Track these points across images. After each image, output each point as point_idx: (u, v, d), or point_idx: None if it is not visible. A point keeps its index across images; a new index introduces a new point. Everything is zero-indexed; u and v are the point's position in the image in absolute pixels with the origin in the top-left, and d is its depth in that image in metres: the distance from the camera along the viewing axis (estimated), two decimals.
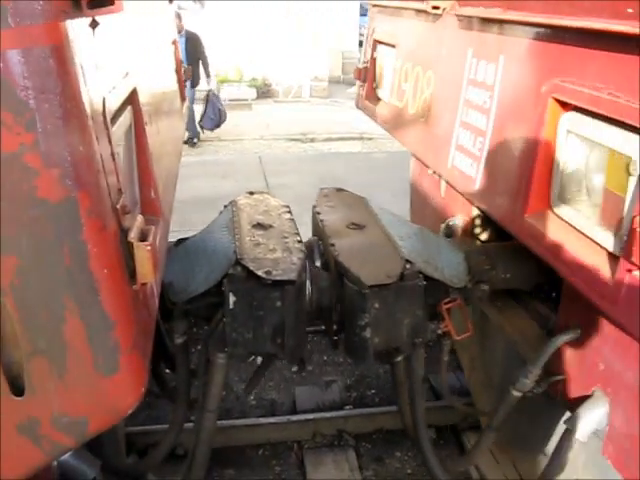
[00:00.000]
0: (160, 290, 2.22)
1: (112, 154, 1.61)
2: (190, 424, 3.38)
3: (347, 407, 5.12)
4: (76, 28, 1.43)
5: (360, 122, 15.85)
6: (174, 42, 4.15)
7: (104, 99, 1.61)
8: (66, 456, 2.21)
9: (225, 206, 3.34)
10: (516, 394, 2.77)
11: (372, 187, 8.61)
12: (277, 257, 2.76)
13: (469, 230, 3.58)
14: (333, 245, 2.94)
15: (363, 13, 25.83)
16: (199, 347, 3.12)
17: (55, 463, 2.18)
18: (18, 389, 1.45)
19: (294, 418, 4.85)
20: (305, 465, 4.50)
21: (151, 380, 3.40)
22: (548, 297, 3.13)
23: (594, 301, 2.07)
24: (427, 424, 4.74)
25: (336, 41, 21.41)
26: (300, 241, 2.96)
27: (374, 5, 4.76)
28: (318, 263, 3.05)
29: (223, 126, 14.31)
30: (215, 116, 13.83)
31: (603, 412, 2.38)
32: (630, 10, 1.88)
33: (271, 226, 3.07)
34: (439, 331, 3.01)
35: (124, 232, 1.53)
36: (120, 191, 1.61)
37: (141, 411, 4.81)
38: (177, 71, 4.01)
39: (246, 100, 18.45)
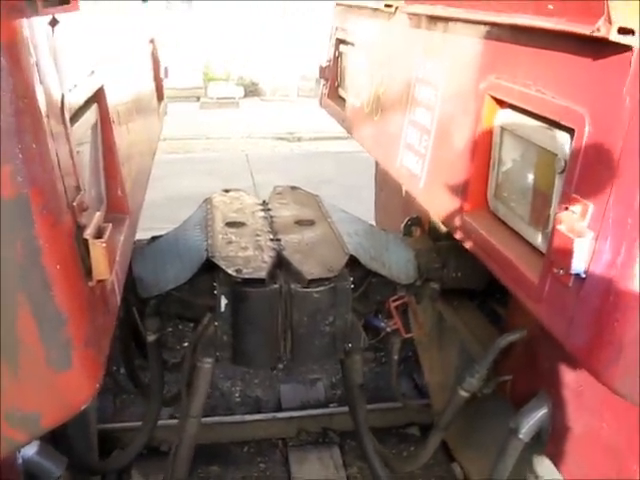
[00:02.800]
0: (126, 285, 2.22)
1: (70, 152, 1.60)
2: (169, 421, 3.38)
3: (332, 405, 5.12)
4: (33, 26, 1.43)
5: None
6: (152, 41, 4.14)
7: (63, 97, 1.61)
8: (32, 453, 2.20)
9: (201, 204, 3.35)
10: (463, 394, 2.78)
11: (358, 187, 8.60)
12: (248, 255, 2.77)
13: (427, 229, 3.58)
14: (279, 240, 2.95)
15: None
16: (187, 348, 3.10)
17: (20, 460, 2.18)
18: None
19: (279, 415, 4.86)
20: (290, 462, 4.50)
21: (125, 378, 3.43)
22: (503, 297, 3.10)
23: (521, 300, 2.06)
24: (412, 422, 4.80)
25: (324, 40, 21.37)
26: (272, 239, 2.96)
27: (337, 4, 4.74)
28: None
29: (209, 123, 14.29)
30: None
31: (545, 412, 2.38)
32: (551, 7, 1.89)
33: (244, 224, 3.08)
34: (388, 329, 3.01)
35: (80, 229, 1.53)
36: (77, 188, 1.61)
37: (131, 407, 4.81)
38: (154, 70, 4.01)
39: (233, 98, 18.41)
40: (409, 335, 3.10)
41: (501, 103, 2.28)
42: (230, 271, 2.59)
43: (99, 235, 1.55)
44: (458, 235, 2.50)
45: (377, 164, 4.69)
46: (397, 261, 3.00)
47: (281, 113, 17.40)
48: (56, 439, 2.54)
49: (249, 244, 2.87)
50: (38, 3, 1.44)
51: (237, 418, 4.86)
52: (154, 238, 3.11)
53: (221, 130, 14.87)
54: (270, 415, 4.88)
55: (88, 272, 1.52)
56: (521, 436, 2.39)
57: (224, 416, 4.91)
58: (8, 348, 1.40)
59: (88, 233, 1.52)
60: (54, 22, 1.64)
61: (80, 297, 1.49)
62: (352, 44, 4.27)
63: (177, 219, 3.34)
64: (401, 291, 2.97)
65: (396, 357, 3.31)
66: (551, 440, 2.37)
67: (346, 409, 4.88)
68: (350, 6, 4.37)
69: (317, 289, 2.66)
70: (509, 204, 2.29)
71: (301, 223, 3.16)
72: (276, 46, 19.28)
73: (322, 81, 5.01)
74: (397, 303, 2.96)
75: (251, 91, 19.70)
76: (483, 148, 2.36)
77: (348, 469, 4.49)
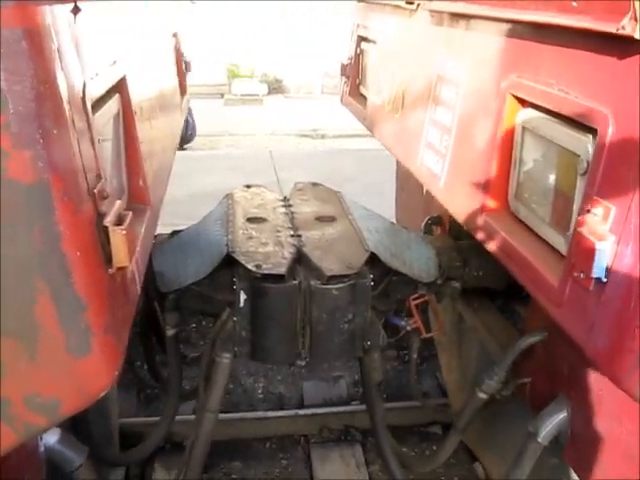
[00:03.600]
0: (147, 279, 2.22)
1: (91, 139, 1.60)
2: (192, 416, 3.38)
3: (354, 402, 5.10)
4: (55, 13, 1.43)
5: None
6: (175, 35, 4.14)
7: (84, 84, 1.61)
8: (53, 442, 2.21)
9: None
10: (482, 396, 2.74)
11: (380, 184, 8.58)
12: (268, 251, 2.76)
13: (448, 228, 3.55)
14: (300, 236, 2.94)
15: None
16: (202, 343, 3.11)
17: (42, 449, 2.19)
18: None
19: (302, 412, 4.86)
20: (312, 459, 4.50)
21: (146, 372, 3.44)
22: (523, 298, 3.05)
23: (541, 303, 2.03)
24: (434, 421, 4.78)
25: (348, 37, 21.35)
26: (293, 235, 2.95)
27: (359, 1, 4.71)
28: None
29: (234, 120, 14.33)
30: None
31: (564, 416, 2.34)
32: (575, 4, 1.84)
33: (265, 220, 3.07)
34: (408, 327, 2.98)
35: (100, 216, 1.53)
36: (99, 176, 1.61)
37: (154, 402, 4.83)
38: (177, 64, 4.01)
39: (257, 95, 18.48)
40: (429, 334, 3.05)
41: (522, 102, 2.24)
42: (250, 266, 2.59)
43: (119, 222, 1.55)
44: (478, 235, 2.46)
45: (398, 163, 4.65)
46: (418, 259, 2.98)
47: (305, 110, 17.43)
48: (77, 429, 2.55)
49: (269, 240, 2.86)
50: None
51: (259, 414, 4.87)
52: (175, 232, 3.12)
53: (245, 127, 14.92)
54: (292, 412, 4.88)
55: (108, 259, 1.52)
56: (540, 440, 2.35)
57: (246, 412, 4.91)
58: (27, 333, 1.41)
59: (108, 220, 1.52)
60: (76, 10, 1.64)
61: (100, 284, 1.49)
62: (373, 41, 4.24)
63: (199, 216, 3.34)
64: (422, 289, 2.95)
65: (415, 356, 3.29)
66: (570, 444, 2.34)
67: None
68: (371, 3, 4.34)
69: (336, 286, 2.64)
70: (530, 205, 2.25)
71: (322, 219, 3.14)
72: (300, 43, 19.30)
73: (343, 79, 4.96)
74: (417, 301, 2.95)
75: (275, 88, 19.76)
76: (504, 148, 2.32)
77: (370, 467, 4.48)
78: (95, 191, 1.54)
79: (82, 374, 1.47)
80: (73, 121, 1.47)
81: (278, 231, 2.98)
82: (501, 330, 3.09)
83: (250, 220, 3.06)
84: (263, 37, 19.15)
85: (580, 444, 2.28)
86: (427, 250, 3.07)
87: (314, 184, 3.70)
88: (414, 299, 2.95)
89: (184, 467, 3.12)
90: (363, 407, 4.90)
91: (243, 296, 2.61)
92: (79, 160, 1.48)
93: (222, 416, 3.28)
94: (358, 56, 4.68)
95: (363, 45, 4.58)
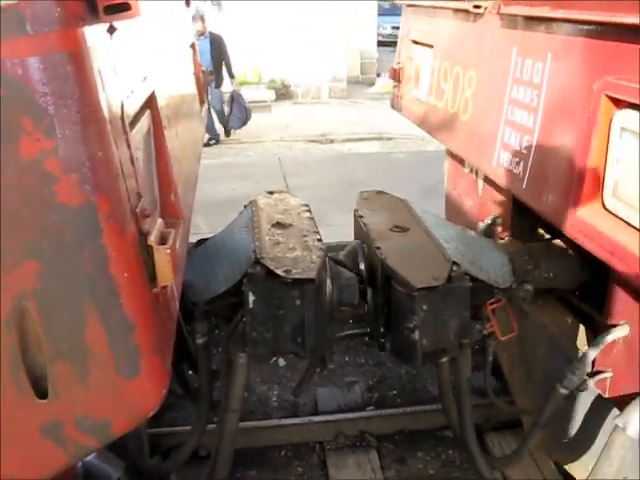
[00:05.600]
0: (181, 291, 2.24)
1: (131, 158, 1.62)
2: (212, 425, 3.39)
3: (369, 408, 5.11)
4: (94, 34, 1.45)
5: (379, 122, 15.86)
6: (192, 45, 4.16)
7: (122, 104, 1.62)
8: (90, 457, 2.23)
9: (245, 206, 3.35)
10: (564, 391, 2.76)
11: (392, 188, 8.59)
12: (296, 256, 2.76)
13: (508, 229, 3.60)
14: (379, 248, 2.93)
15: (381, 13, 25.84)
16: (220, 348, 3.13)
17: (80, 464, 2.20)
18: (42, 392, 1.47)
19: (316, 419, 4.86)
20: (327, 466, 4.50)
21: (174, 381, 3.47)
22: (590, 294, 3.11)
23: None
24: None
25: (354, 41, 21.40)
26: (320, 240, 2.95)
27: (409, 5, 4.73)
28: (362, 266, 3.06)
29: (243, 128, 14.47)
30: (241, 114, 14.28)
31: None
32: None
33: (290, 225, 3.08)
34: (485, 332, 3.01)
35: (144, 236, 1.55)
36: (139, 195, 1.62)
37: (165, 412, 4.85)
38: (196, 74, 4.03)
39: (265, 102, 18.48)
40: (506, 337, 3.09)
41: (618, 103, 2.27)
42: (279, 272, 2.59)
43: (163, 241, 1.56)
44: (571, 233, 2.52)
45: (450, 163, 4.68)
46: (493, 265, 3.00)
47: (313, 115, 17.46)
48: (112, 443, 2.56)
49: (296, 245, 2.87)
50: (99, 10, 1.46)
51: (274, 422, 4.87)
52: (200, 241, 3.13)
53: (254, 134, 14.95)
54: (307, 419, 4.88)
55: (152, 278, 1.53)
56: (629, 433, 2.39)
57: (261, 420, 4.92)
58: (78, 356, 1.42)
59: (152, 240, 1.53)
60: (112, 29, 1.65)
61: (146, 304, 1.50)
62: (430, 45, 4.26)
63: (212, 224, 3.35)
64: (498, 294, 2.97)
65: (491, 359, 3.31)
66: None
67: (383, 412, 4.95)
68: (425, 7, 4.37)
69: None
70: (630, 203, 2.27)
71: (396, 229, 3.15)
72: (300, 47, 19.30)
73: (394, 83, 5.03)
74: (494, 306, 2.97)
75: (282, 94, 19.77)
76: (599, 148, 2.35)
77: (386, 472, 4.48)
78: (137, 210, 1.55)
79: (132, 395, 1.48)
80: (115, 141, 1.49)
81: (305, 236, 2.99)
82: (570, 326, 3.14)
83: (276, 226, 3.07)
84: (269, 42, 19.17)
85: None
86: (500, 255, 3.11)
87: (378, 192, 3.69)
88: (491, 304, 2.97)
89: (211, 470, 3.15)
90: (378, 412, 4.96)
91: (252, 297, 2.61)
92: (122, 180, 1.49)
93: None
94: (410, 60, 4.71)
95: (416, 49, 4.61)
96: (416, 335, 2.68)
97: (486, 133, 3.30)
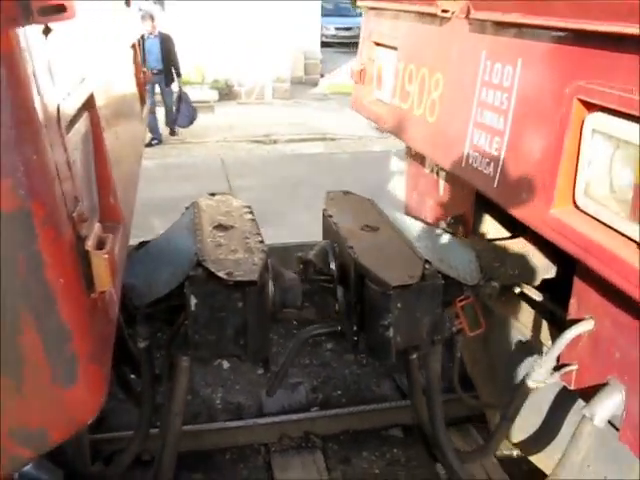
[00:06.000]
0: (121, 294, 2.21)
1: (68, 162, 1.59)
2: (156, 430, 3.36)
3: (314, 409, 5.12)
4: (28, 35, 1.41)
5: (323, 123, 15.92)
6: (133, 46, 4.11)
7: (58, 106, 1.59)
8: (28, 467, 2.18)
9: (187, 207, 3.32)
10: (532, 384, 2.83)
11: (336, 188, 8.61)
12: (238, 258, 2.76)
13: (470, 228, 3.68)
14: (352, 247, 2.95)
15: (325, 13, 25.92)
16: (163, 352, 3.10)
17: (16, 475, 2.15)
18: None
19: (261, 421, 4.84)
20: (272, 468, 4.48)
21: (116, 385, 3.42)
22: (552, 291, 3.25)
23: (628, 292, 2.14)
24: (395, 423, 4.84)
25: (298, 42, 21.42)
26: (262, 241, 2.95)
27: (371, 8, 4.75)
28: (333, 265, 3.08)
29: (186, 128, 14.40)
30: (189, 113, 14.33)
31: (619, 399, 2.47)
32: None
33: (232, 227, 3.07)
34: (453, 328, 3.07)
35: (81, 240, 1.52)
36: (76, 199, 1.59)
37: (105, 417, 4.78)
38: (136, 75, 3.98)
39: (208, 102, 18.36)
40: (474, 333, 3.16)
41: (590, 107, 2.35)
42: (221, 274, 2.58)
43: (100, 246, 1.54)
44: (544, 230, 2.58)
45: (410, 163, 4.76)
46: (461, 262, 3.08)
47: (257, 116, 17.42)
48: (50, 451, 2.52)
49: (238, 247, 2.86)
50: (34, 11, 1.42)
51: (219, 425, 4.83)
52: (142, 244, 3.09)
53: (197, 134, 14.85)
54: (251, 421, 4.85)
55: (90, 284, 1.51)
56: (596, 422, 2.47)
57: (205, 423, 4.88)
58: (13, 365, 1.38)
59: (89, 245, 1.51)
60: (47, 30, 1.62)
61: (83, 310, 1.47)
62: (394, 48, 4.29)
63: (154, 226, 3.32)
64: (467, 292, 3.03)
65: (459, 355, 3.39)
66: (625, 426, 2.47)
67: (328, 412, 4.96)
68: (386, 10, 4.39)
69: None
70: (601, 201, 2.36)
71: (367, 229, 3.18)
72: (244, 48, 19.25)
73: (355, 84, 5.04)
74: (462, 303, 3.03)
75: (226, 94, 19.66)
76: (570, 149, 2.43)
77: (331, 473, 4.48)
78: (74, 215, 1.52)
79: (69, 403, 1.45)
80: (51, 145, 1.46)
81: (247, 237, 2.98)
82: (534, 321, 3.26)
83: (217, 228, 3.05)
84: (212, 42, 19.04)
85: (637, 425, 2.41)
86: (467, 253, 3.18)
87: (345, 192, 3.72)
88: (460, 301, 3.02)
89: (154, 475, 3.11)
90: (323, 413, 4.98)
91: (194, 300, 2.59)
92: (58, 185, 1.46)
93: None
94: (373, 62, 4.74)
95: (379, 51, 4.64)
96: (390, 332, 2.72)
97: (454, 134, 3.36)
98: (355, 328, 2.97)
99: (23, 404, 1.42)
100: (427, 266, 2.79)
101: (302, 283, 3.00)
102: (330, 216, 3.35)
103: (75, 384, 1.44)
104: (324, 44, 25.80)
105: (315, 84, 22.57)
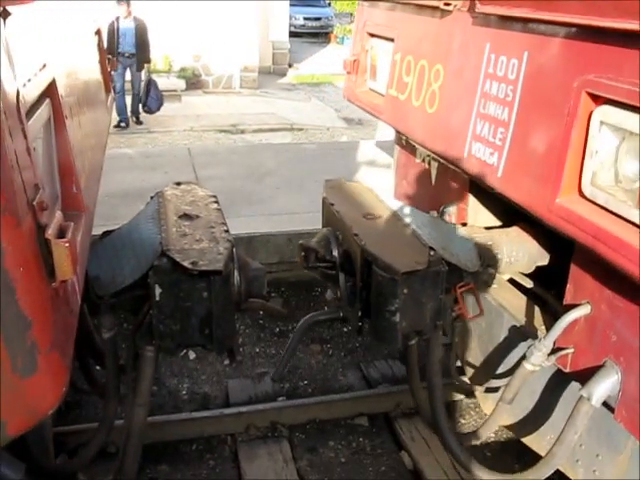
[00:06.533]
0: (85, 284, 2.18)
1: (28, 149, 1.56)
2: (121, 421, 3.33)
3: (280, 399, 5.12)
4: None
5: (291, 113, 15.88)
6: (98, 32, 4.05)
7: (18, 92, 1.56)
8: None
9: (152, 197, 3.30)
10: (530, 367, 2.88)
11: (303, 179, 8.61)
12: (203, 247, 2.75)
13: (464, 216, 3.74)
14: (357, 235, 2.99)
15: (293, 3, 25.83)
16: (128, 343, 3.08)
17: None
18: None
19: (227, 411, 4.83)
20: (239, 458, 4.48)
21: (80, 377, 3.39)
22: (545, 278, 3.37)
23: (634, 274, 2.20)
24: (361, 412, 4.86)
25: (266, 31, 21.33)
26: (227, 231, 2.95)
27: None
28: (336, 253, 3.14)
29: (152, 117, 14.31)
30: (158, 98, 14.34)
31: (615, 380, 2.56)
32: None
33: (198, 216, 3.06)
34: (453, 314, 3.17)
35: (41, 229, 1.50)
36: (37, 187, 1.57)
37: (71, 410, 4.74)
38: (101, 62, 3.93)
39: (175, 91, 18.23)
40: (473, 317, 3.29)
41: (597, 99, 2.41)
42: (186, 264, 2.57)
43: (61, 235, 1.52)
44: (550, 219, 2.64)
45: (400, 153, 4.78)
46: (462, 249, 3.16)
47: (224, 105, 17.33)
48: (12, 444, 2.48)
49: (204, 236, 2.85)
50: None
51: (185, 415, 4.81)
52: (106, 233, 3.06)
53: (164, 124, 14.75)
54: (218, 411, 4.84)
55: (51, 273, 1.48)
56: (593, 402, 2.56)
57: (171, 414, 4.85)
58: None
59: (50, 233, 1.49)
60: (6, 13, 1.59)
61: (44, 299, 1.45)
62: (390, 39, 4.29)
63: (119, 216, 3.29)
64: (467, 278, 3.11)
65: (457, 340, 3.53)
66: (621, 405, 2.55)
67: (294, 402, 4.97)
68: (385, 0, 4.39)
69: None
70: (608, 190, 2.42)
71: (370, 217, 3.22)
72: (212, 36, 19.13)
73: (348, 75, 5.03)
74: (462, 289, 3.11)
75: (193, 83, 19.51)
76: (577, 140, 2.49)
77: (298, 462, 4.51)
78: (34, 203, 1.50)
79: (29, 394, 1.43)
80: (10, 132, 1.43)
81: (212, 227, 2.97)
82: (525, 306, 3.36)
83: (183, 217, 3.03)
84: (179, 31, 18.89)
85: (632, 404, 2.50)
86: (467, 241, 3.26)
87: (343, 181, 3.76)
88: (460, 287, 3.10)
89: (119, 467, 3.08)
90: (290, 403, 4.99)
91: (158, 289, 2.59)
92: (18, 172, 1.44)
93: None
94: (367, 52, 4.74)
95: (374, 42, 4.64)
96: (397, 317, 2.80)
97: (456, 125, 3.40)
98: (360, 313, 3.03)
99: None
100: (432, 253, 2.87)
101: (267, 274, 3.00)
102: (332, 204, 3.38)
103: (35, 374, 1.42)
104: (292, 34, 25.74)
105: (283, 74, 22.53)
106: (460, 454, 3.42)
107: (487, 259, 3.25)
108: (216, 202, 3.25)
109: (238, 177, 9.18)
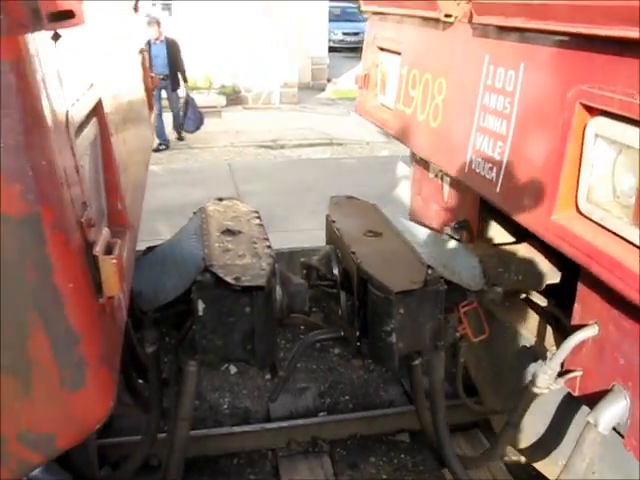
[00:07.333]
0: (129, 300, 2.21)
1: (76, 167, 1.60)
2: (163, 434, 3.36)
3: (321, 414, 5.11)
4: (37, 41, 1.42)
5: (330, 128, 15.92)
6: (142, 51, 4.13)
7: (67, 112, 1.60)
8: (36, 471, 2.18)
9: (194, 213, 3.33)
10: (536, 390, 2.82)
11: (343, 193, 8.60)
12: (246, 263, 2.76)
13: (475, 233, 3.67)
14: (354, 253, 2.96)
15: (332, 19, 25.96)
16: (171, 357, 3.10)
17: (25, 479, 2.15)
18: None
19: (268, 426, 4.83)
20: (280, 473, 4.48)
21: (124, 390, 3.42)
22: (556, 296, 3.24)
23: (630, 298, 2.12)
24: (402, 428, 4.82)
25: (305, 47, 21.46)
26: (269, 246, 2.96)
27: (375, 13, 4.75)
28: (336, 271, 3.10)
29: (194, 134, 14.42)
30: (196, 118, 14.33)
31: (624, 406, 2.45)
32: None
33: (240, 232, 3.07)
34: (457, 334, 3.08)
35: (90, 245, 1.52)
36: (85, 204, 1.60)
37: (114, 422, 4.78)
38: (144, 80, 3.99)
39: (215, 107, 18.37)
40: (478, 338, 3.18)
41: (591, 111, 2.33)
42: (228, 279, 2.58)
43: (109, 251, 1.55)
44: (546, 236, 2.57)
45: (415, 168, 4.74)
46: (465, 267, 3.08)
47: (264, 121, 17.44)
48: (59, 455, 2.52)
49: (246, 252, 2.87)
50: (43, 17, 1.43)
51: (226, 430, 4.83)
52: (149, 249, 3.10)
53: (204, 140, 14.88)
54: (259, 426, 4.85)
55: (98, 289, 1.51)
56: (600, 429, 2.44)
57: (212, 428, 4.88)
58: (21, 368, 1.39)
59: (98, 250, 1.51)
60: (56, 36, 1.63)
61: (92, 315, 1.48)
62: (397, 52, 4.30)
63: (161, 232, 3.32)
64: (470, 297, 3.03)
65: (462, 360, 3.40)
66: (630, 433, 2.44)
67: (335, 417, 4.96)
68: (393, 14, 4.39)
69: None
70: (604, 206, 2.34)
71: (370, 234, 3.18)
72: (251, 53, 19.29)
73: (360, 89, 5.05)
74: (466, 309, 3.04)
75: (233, 99, 19.67)
76: (572, 154, 2.41)
77: (339, 478, 4.48)
78: (82, 220, 1.53)
79: (77, 407, 1.46)
80: (60, 150, 1.46)
81: (254, 242, 2.98)
82: (539, 327, 3.24)
83: (225, 233, 3.06)
84: (219, 47, 19.10)
85: None
86: (471, 258, 3.17)
87: (348, 197, 3.73)
88: (463, 306, 3.04)
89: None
90: (331, 418, 4.97)
91: (201, 305, 2.60)
92: (67, 190, 1.47)
93: None
94: (376, 67, 4.74)
95: (383, 56, 4.65)
96: (393, 338, 2.73)
97: (457, 139, 3.35)
98: (358, 333, 2.98)
99: (31, 408, 1.42)
100: (430, 271, 2.78)
101: (308, 289, 3.00)
102: (333, 221, 3.36)
103: (83, 388, 1.45)
104: (331, 49, 25.83)
105: (322, 89, 22.60)
106: (463, 477, 3.37)
107: (493, 277, 3.14)
108: (258, 217, 3.26)
109: (279, 192, 9.24)
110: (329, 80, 23.49)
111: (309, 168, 11.01)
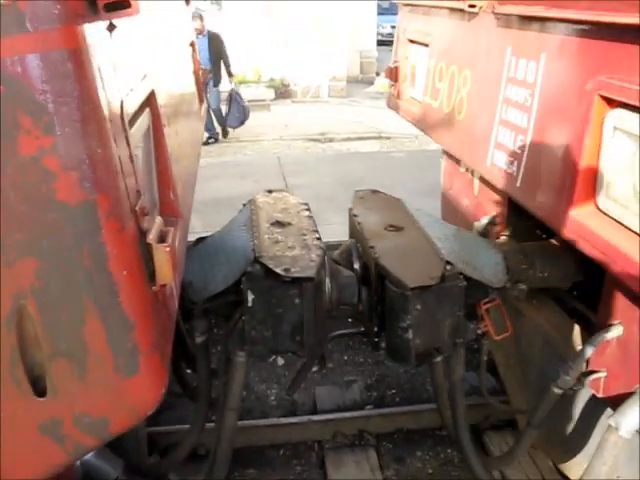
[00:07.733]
0: (180, 290, 2.23)
1: (130, 156, 1.62)
2: (211, 424, 3.39)
3: (368, 407, 5.11)
4: (93, 31, 1.44)
5: (378, 121, 15.85)
6: (192, 44, 4.16)
7: (122, 102, 1.62)
8: (89, 456, 2.22)
9: (244, 204, 3.34)
10: (557, 391, 2.77)
11: (391, 187, 8.57)
12: (296, 254, 2.76)
13: (503, 229, 3.59)
14: (373, 247, 2.93)
15: (380, 12, 25.82)
16: (219, 347, 3.13)
17: (78, 463, 2.20)
18: (40, 390, 1.47)
19: (315, 418, 4.85)
20: (326, 465, 4.49)
21: (173, 380, 3.46)
22: (585, 294, 3.12)
23: None
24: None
25: (354, 40, 21.40)
26: (319, 238, 2.95)
27: (405, 4, 4.72)
28: (357, 265, 3.05)
29: (242, 127, 14.49)
30: (240, 113, 14.25)
31: None
32: None
33: (290, 224, 3.07)
34: (479, 331, 3.01)
35: (143, 234, 1.54)
36: (139, 193, 1.62)
37: (163, 411, 4.84)
38: (195, 73, 4.03)
39: (264, 101, 18.47)
40: (500, 337, 3.10)
41: (611, 102, 2.26)
42: (278, 270, 2.59)
43: (162, 240, 1.56)
44: (565, 233, 2.51)
45: (446, 162, 4.68)
46: (487, 264, 3.01)
47: (312, 114, 17.45)
48: (110, 441, 2.57)
49: (296, 243, 2.87)
50: (99, 7, 1.45)
51: (273, 421, 4.86)
52: (199, 240, 3.12)
53: (253, 133, 14.95)
54: (306, 418, 4.87)
55: (151, 277, 1.53)
56: (621, 433, 2.38)
57: (260, 419, 4.91)
58: (77, 354, 1.42)
59: (151, 238, 1.53)
60: (112, 27, 1.65)
61: (145, 302, 1.50)
62: (426, 44, 4.26)
63: (213, 223, 3.33)
64: (492, 294, 2.97)
65: (485, 358, 3.33)
66: None
67: (382, 411, 4.95)
68: (419, 6, 4.36)
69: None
70: (622, 202, 2.27)
71: (390, 229, 3.15)
72: (300, 46, 19.30)
73: (390, 82, 5.03)
74: (488, 306, 2.98)
75: (282, 93, 19.73)
76: (591, 147, 2.35)
77: (385, 472, 4.48)
78: (137, 208, 1.55)
79: (130, 393, 1.48)
80: (115, 139, 1.48)
81: (304, 234, 2.98)
82: (565, 326, 3.14)
83: (275, 224, 3.07)
84: (268, 41, 19.18)
85: None
86: (494, 254, 3.11)
87: (373, 191, 3.69)
88: (484, 303, 2.97)
89: (209, 469, 3.14)
90: (377, 411, 4.97)
91: (251, 296, 2.60)
92: (122, 178, 1.49)
93: None
94: (406, 59, 4.71)
95: (412, 48, 4.61)
96: (409, 334, 2.68)
97: (480, 132, 3.30)
98: (376, 329, 2.94)
99: (86, 392, 1.45)
100: (448, 267, 2.72)
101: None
102: (355, 215, 3.33)
103: (137, 374, 1.47)
104: (380, 42, 25.69)
105: (371, 82, 22.50)
106: (482, 476, 3.31)
107: (516, 274, 3.06)
108: (307, 210, 3.26)
109: (327, 185, 9.24)
110: (378, 73, 23.39)
111: (358, 162, 10.99)
